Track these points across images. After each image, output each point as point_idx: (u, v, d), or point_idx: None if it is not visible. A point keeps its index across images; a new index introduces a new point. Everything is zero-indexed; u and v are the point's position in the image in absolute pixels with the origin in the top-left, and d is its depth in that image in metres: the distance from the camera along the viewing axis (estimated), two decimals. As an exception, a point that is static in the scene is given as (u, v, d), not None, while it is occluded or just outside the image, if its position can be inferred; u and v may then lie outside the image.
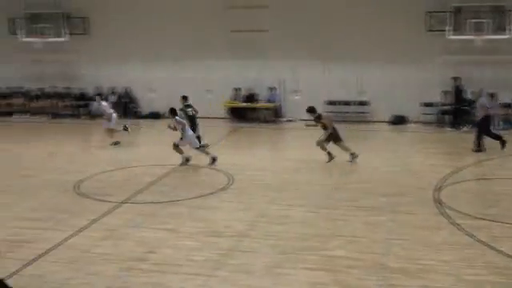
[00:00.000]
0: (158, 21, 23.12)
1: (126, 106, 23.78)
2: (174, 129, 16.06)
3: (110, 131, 18.84)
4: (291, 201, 12.77)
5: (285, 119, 23.04)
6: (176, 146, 16.03)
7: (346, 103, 23.12)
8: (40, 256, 9.94)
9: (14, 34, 23.98)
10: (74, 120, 23.58)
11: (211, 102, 22.45)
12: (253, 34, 22.57)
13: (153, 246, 10.29)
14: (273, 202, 12.71)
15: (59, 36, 23.62)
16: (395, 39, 21.92)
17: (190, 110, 17.63)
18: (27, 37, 23.64)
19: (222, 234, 10.83)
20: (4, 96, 24.68)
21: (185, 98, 17.94)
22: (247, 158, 17.13)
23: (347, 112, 22.92)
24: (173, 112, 16.20)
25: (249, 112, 23.16)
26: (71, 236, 10.86)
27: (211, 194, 13.48)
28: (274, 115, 22.83)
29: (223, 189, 13.87)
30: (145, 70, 23.79)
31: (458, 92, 21.39)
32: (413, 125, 22.18)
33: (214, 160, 15.97)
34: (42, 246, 10.38)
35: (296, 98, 23.04)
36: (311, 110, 16.51)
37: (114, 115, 18.99)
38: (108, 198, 13.18)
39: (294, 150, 18.80)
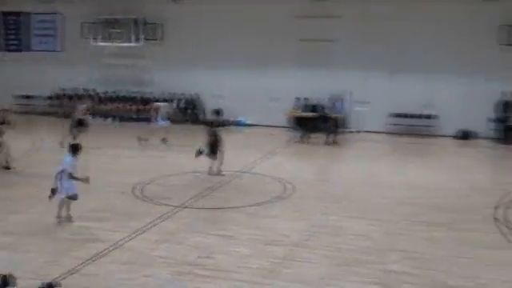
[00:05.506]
0: (227, 28, 23.30)
1: (186, 112, 24.02)
2: None
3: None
4: (350, 213, 12.61)
5: (353, 130, 22.71)
6: None
7: (413, 116, 22.73)
8: (99, 256, 10.15)
9: (87, 37, 24.63)
10: (138, 124, 23.97)
11: (274, 110, 22.41)
12: (321, 44, 22.41)
13: (209, 252, 10.33)
14: (331, 213, 12.58)
15: (131, 41, 24.10)
16: (466, 52, 21.44)
17: None
18: (100, 41, 24.20)
19: (278, 243, 10.79)
20: (70, 98, 25.19)
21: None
22: (307, 168, 17.01)
23: (414, 125, 22.53)
24: None
25: (312, 122, 22.92)
26: (129, 238, 11.04)
27: (270, 202, 13.45)
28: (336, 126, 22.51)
29: (282, 197, 13.82)
30: (213, 77, 23.99)
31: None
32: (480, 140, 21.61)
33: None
34: (101, 246, 10.59)
35: (363, 109, 22.74)
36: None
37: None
38: (167, 201, 13.34)
39: (356, 161, 18.58)
